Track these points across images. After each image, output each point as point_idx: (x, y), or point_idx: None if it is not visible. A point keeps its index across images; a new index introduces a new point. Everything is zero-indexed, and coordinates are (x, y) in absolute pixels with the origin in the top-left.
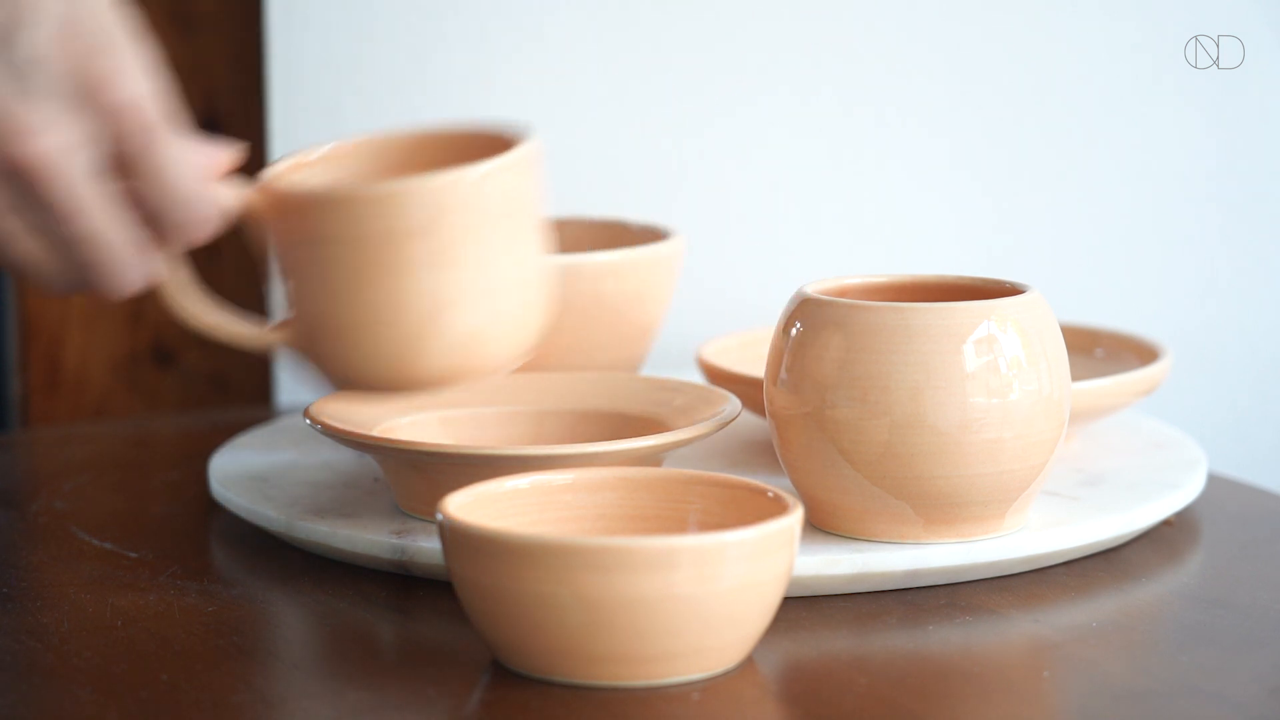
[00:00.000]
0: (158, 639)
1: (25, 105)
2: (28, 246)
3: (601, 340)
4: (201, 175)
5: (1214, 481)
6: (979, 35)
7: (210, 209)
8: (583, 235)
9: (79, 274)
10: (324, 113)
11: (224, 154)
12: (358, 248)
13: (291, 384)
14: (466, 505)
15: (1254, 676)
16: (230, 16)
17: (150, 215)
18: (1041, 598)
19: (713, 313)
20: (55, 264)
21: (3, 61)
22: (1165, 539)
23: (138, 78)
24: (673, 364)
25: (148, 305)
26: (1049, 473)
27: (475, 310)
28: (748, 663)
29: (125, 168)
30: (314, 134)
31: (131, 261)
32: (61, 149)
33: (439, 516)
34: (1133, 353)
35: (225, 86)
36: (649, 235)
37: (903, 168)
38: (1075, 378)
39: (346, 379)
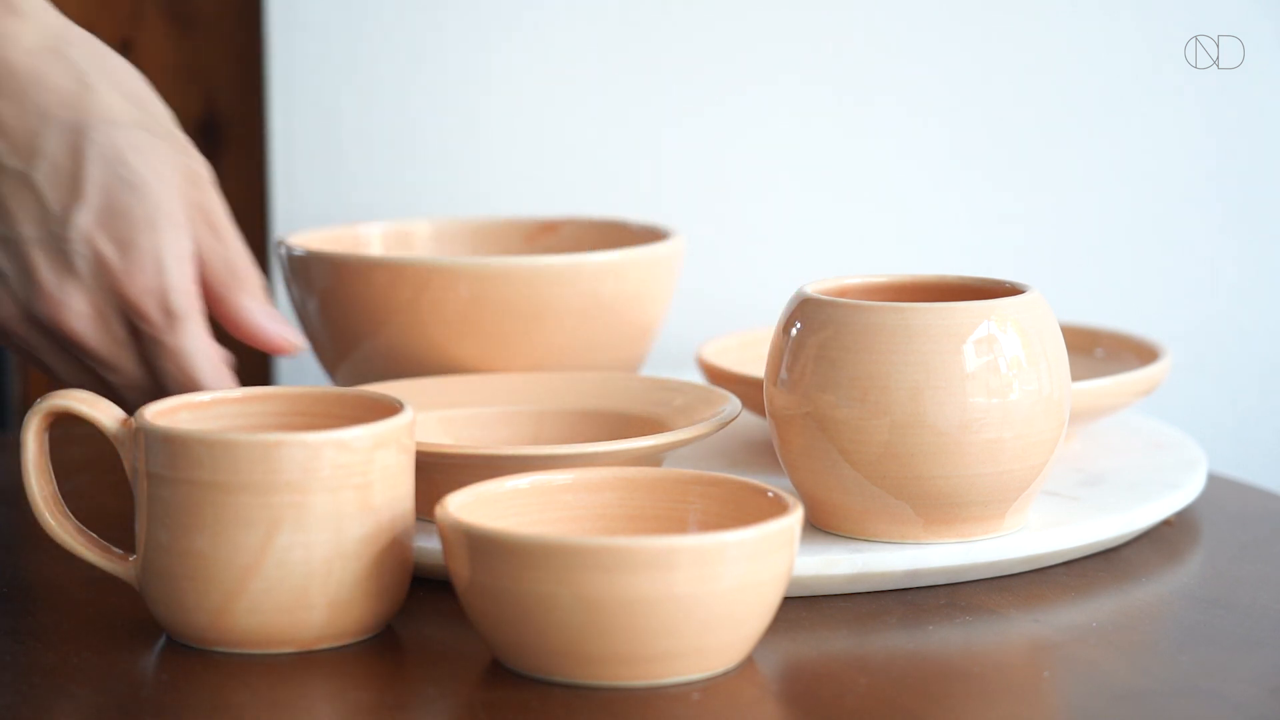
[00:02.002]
0: (158, 639)
1: (63, 281)
2: (69, 374)
3: (601, 340)
4: (214, 364)
5: (1214, 481)
6: (978, 36)
7: (218, 389)
8: (583, 235)
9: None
10: (324, 113)
11: (230, 355)
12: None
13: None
14: (466, 505)
15: (1254, 676)
16: (230, 16)
17: (159, 384)
18: (1041, 598)
19: (713, 313)
20: (93, 388)
21: (54, 239)
22: (1165, 539)
23: (155, 271)
24: (673, 364)
25: None
26: (1049, 473)
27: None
28: (748, 663)
29: (145, 349)
30: (314, 134)
31: (150, 395)
32: (88, 319)
33: (439, 516)
34: (1133, 353)
35: (225, 86)
36: (649, 235)
37: (903, 168)
38: (1075, 378)
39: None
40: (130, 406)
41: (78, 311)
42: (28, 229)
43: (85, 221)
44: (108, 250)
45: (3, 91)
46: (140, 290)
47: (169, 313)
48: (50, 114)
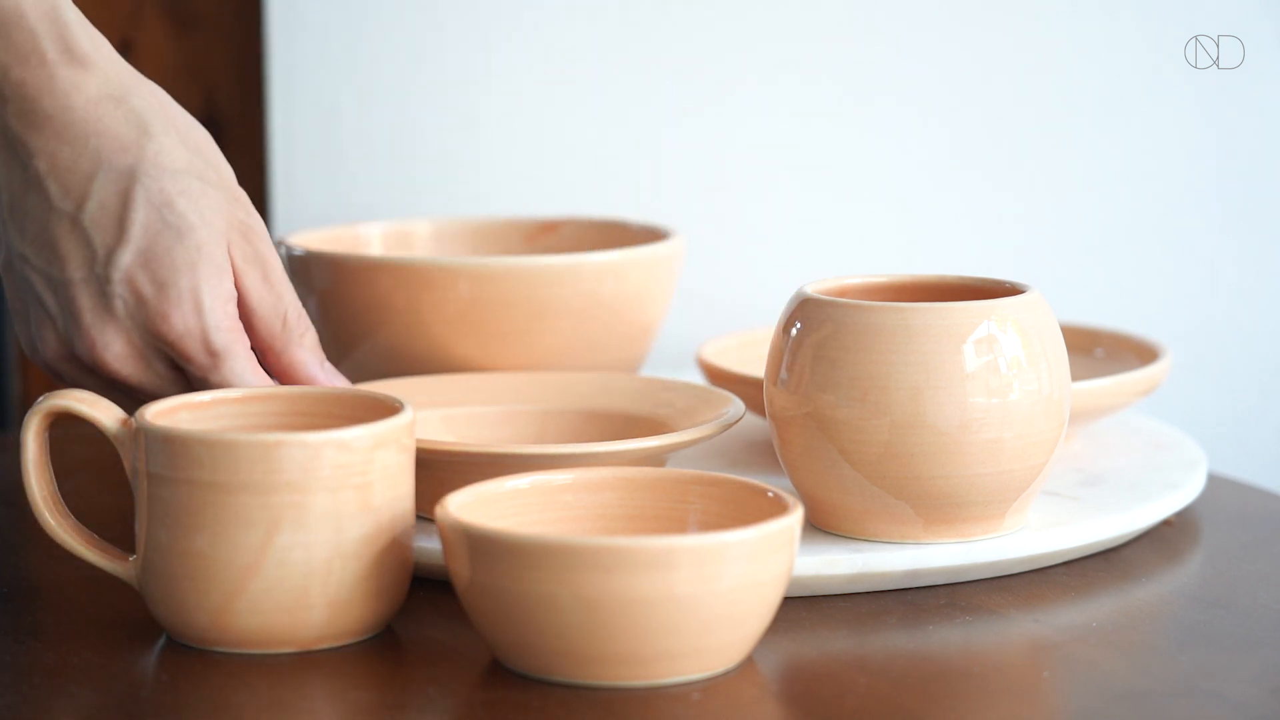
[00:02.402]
0: (158, 639)
1: (103, 322)
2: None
3: (601, 340)
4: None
5: (1214, 481)
6: (978, 36)
7: None
8: (583, 235)
9: None
10: (324, 113)
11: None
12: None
13: None
14: (466, 505)
15: (1254, 676)
16: (230, 16)
17: None
18: (1041, 598)
19: (713, 313)
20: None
21: (97, 280)
22: (1165, 539)
23: (194, 311)
24: (673, 364)
25: None
26: (1049, 473)
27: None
28: (748, 663)
29: (195, 380)
30: (314, 134)
31: None
32: (128, 360)
33: (439, 516)
34: (1133, 353)
35: (225, 86)
36: (649, 235)
37: (903, 169)
38: (1075, 378)
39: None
40: None
41: (116, 352)
42: (74, 271)
43: (126, 262)
44: (147, 291)
45: (61, 137)
46: (180, 331)
47: (211, 352)
48: (105, 159)
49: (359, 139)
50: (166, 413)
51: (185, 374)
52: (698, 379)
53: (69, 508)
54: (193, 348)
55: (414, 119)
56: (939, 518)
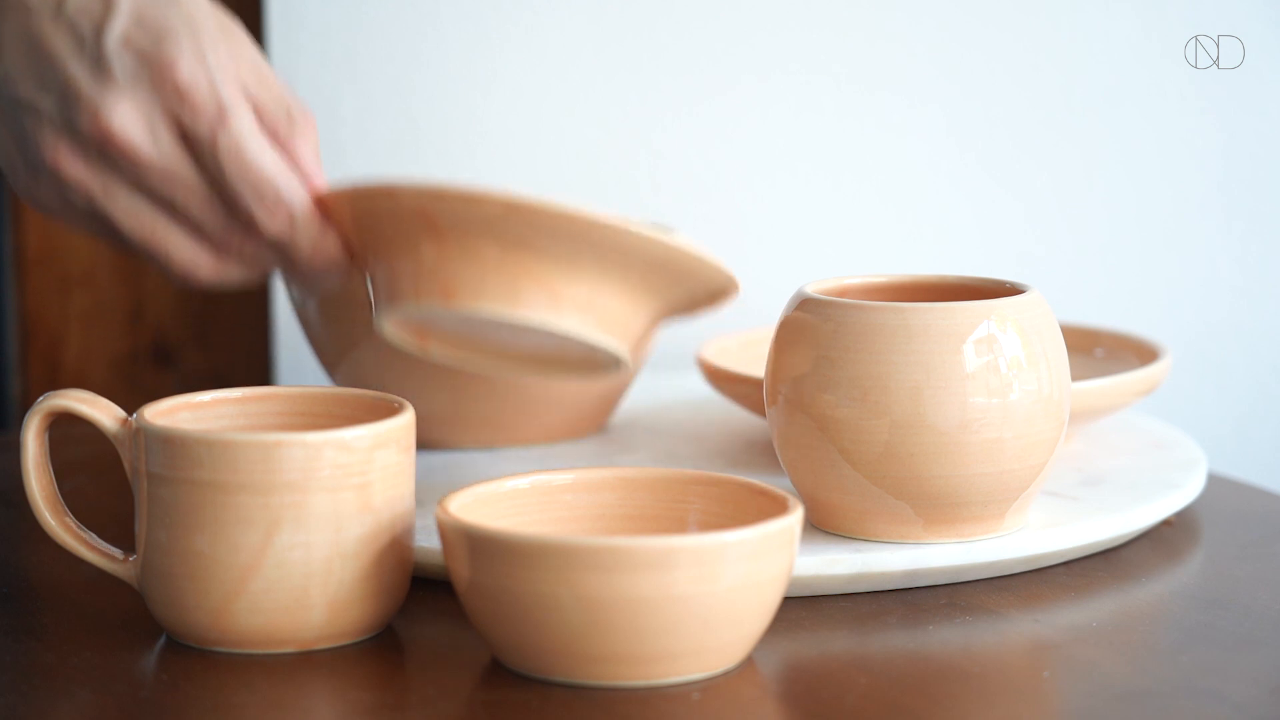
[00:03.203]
0: (158, 639)
1: (102, 88)
2: (146, 223)
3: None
4: (275, 159)
5: (1214, 481)
6: (979, 35)
7: (282, 194)
8: None
9: (199, 254)
10: (324, 113)
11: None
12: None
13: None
14: (466, 505)
15: (1254, 676)
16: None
17: (227, 202)
18: (1041, 598)
19: (713, 313)
20: (180, 244)
21: (91, 55)
22: (1165, 539)
23: (197, 63)
24: (672, 364)
25: (148, 305)
26: (1049, 473)
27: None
28: (748, 663)
29: (200, 150)
30: None
31: (217, 211)
32: (134, 123)
33: (439, 516)
34: (1133, 353)
35: None
36: None
37: (903, 168)
38: (1075, 378)
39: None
40: (203, 229)
41: (123, 115)
42: (65, 59)
43: (118, 28)
44: (146, 45)
45: None
46: (187, 77)
47: (219, 105)
48: None
49: (359, 138)
50: (166, 413)
51: (189, 144)
52: (698, 379)
53: (69, 508)
54: (200, 97)
55: (414, 118)
56: (939, 518)
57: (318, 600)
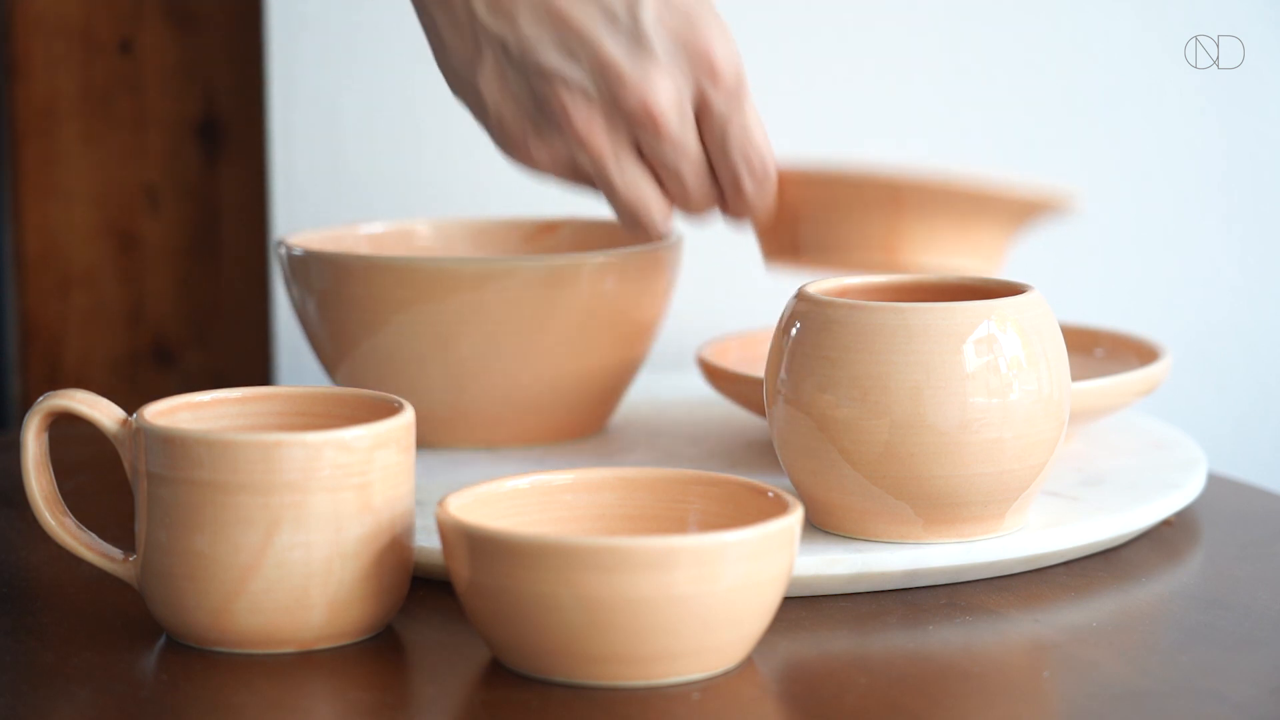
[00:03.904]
0: (158, 639)
1: (646, 66)
2: (642, 188)
3: (601, 340)
4: (767, 139)
5: (1214, 481)
6: (979, 35)
7: (769, 166)
8: (583, 235)
9: (665, 210)
10: (324, 113)
11: None
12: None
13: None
14: (466, 505)
15: (1254, 676)
16: (230, 16)
17: (716, 168)
18: (1041, 598)
19: (713, 313)
20: (655, 202)
21: (628, 33)
22: (1165, 539)
23: (726, 44)
24: (673, 364)
25: (148, 305)
26: (1049, 473)
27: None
28: (748, 663)
29: (712, 124)
30: (314, 134)
31: (704, 175)
32: (673, 99)
33: (439, 516)
34: (1133, 353)
35: (225, 86)
36: None
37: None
38: (1075, 378)
39: (168, 624)
40: (686, 191)
41: (665, 89)
42: (597, 32)
43: (652, 10)
44: (683, 29)
45: None
46: (723, 58)
47: (740, 82)
48: None
49: (359, 139)
50: (166, 413)
51: (700, 116)
52: (698, 379)
53: (69, 508)
54: (730, 79)
55: (414, 119)
56: (939, 518)
57: (318, 600)
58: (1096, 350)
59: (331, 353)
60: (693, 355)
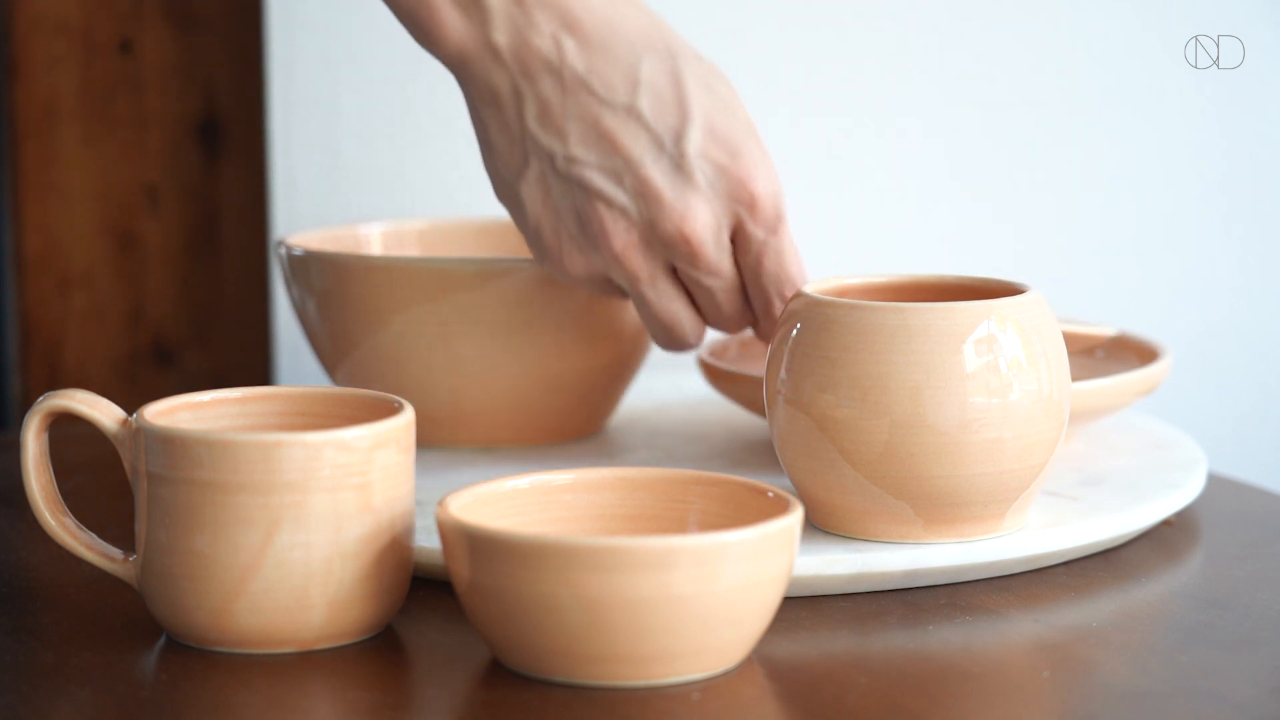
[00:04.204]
0: (158, 639)
1: (687, 194)
2: (675, 308)
3: (601, 340)
4: (801, 263)
5: (1214, 481)
6: (979, 35)
7: (799, 287)
8: None
9: (698, 327)
10: (324, 113)
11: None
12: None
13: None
14: (466, 505)
15: (1254, 676)
16: (230, 16)
17: (748, 290)
18: (1041, 598)
19: None
20: (689, 320)
21: (670, 160)
22: (1165, 539)
23: (767, 177)
24: (672, 364)
25: (148, 305)
26: (1049, 473)
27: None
28: (748, 663)
29: (748, 251)
30: (314, 134)
31: (738, 298)
32: (710, 227)
33: (439, 516)
34: (1133, 353)
35: (225, 86)
36: None
37: (903, 168)
38: (1075, 378)
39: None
40: (720, 312)
41: (703, 220)
42: (642, 155)
43: (697, 138)
44: (724, 160)
45: (590, 38)
46: (764, 192)
47: (779, 213)
48: (638, 46)
49: (359, 139)
50: (166, 413)
51: (736, 241)
52: (698, 379)
53: (69, 508)
54: (769, 211)
55: (414, 119)
56: (939, 518)
57: (318, 600)
58: (1096, 350)
59: (331, 353)
60: (693, 355)
